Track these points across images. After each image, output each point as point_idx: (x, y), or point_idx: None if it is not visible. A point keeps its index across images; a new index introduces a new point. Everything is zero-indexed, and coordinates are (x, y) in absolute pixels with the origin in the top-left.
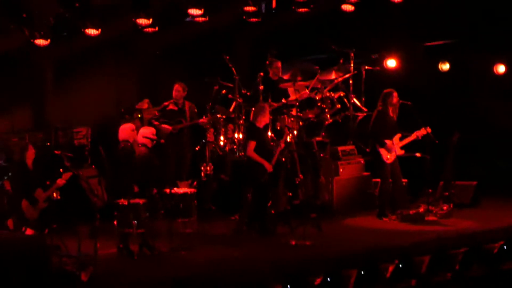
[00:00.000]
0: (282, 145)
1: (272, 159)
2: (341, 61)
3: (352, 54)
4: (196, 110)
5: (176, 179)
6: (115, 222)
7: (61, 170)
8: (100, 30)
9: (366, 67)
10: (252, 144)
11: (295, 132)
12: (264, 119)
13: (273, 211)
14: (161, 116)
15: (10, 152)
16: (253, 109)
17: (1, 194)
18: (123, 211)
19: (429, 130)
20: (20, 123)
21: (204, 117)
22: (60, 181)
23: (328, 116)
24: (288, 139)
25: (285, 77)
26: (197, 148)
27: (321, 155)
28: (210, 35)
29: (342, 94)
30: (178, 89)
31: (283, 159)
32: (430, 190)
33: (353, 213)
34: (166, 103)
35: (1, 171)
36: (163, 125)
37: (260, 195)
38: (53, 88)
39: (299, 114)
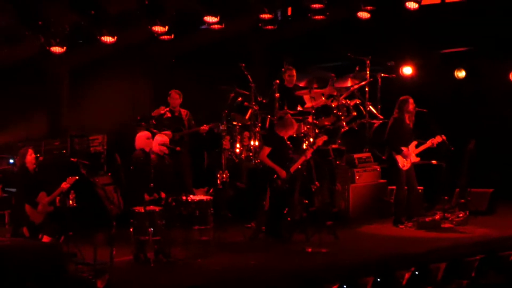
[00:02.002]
0: (309, 155)
1: (289, 167)
2: (357, 68)
3: (368, 62)
4: (192, 118)
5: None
6: (131, 230)
7: (76, 177)
8: (115, 37)
9: (382, 75)
10: (266, 150)
11: (311, 140)
12: (288, 132)
13: (289, 219)
14: (158, 124)
15: None
16: (269, 116)
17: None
18: (139, 219)
19: (444, 137)
20: (36, 131)
21: (204, 125)
22: (65, 185)
23: (344, 123)
24: (304, 147)
25: (301, 84)
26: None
27: (337, 162)
28: (226, 42)
29: (358, 102)
30: (174, 97)
31: (300, 166)
32: (446, 198)
33: (369, 220)
34: (162, 111)
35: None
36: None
37: (276, 202)
38: (69, 95)
39: (315, 121)
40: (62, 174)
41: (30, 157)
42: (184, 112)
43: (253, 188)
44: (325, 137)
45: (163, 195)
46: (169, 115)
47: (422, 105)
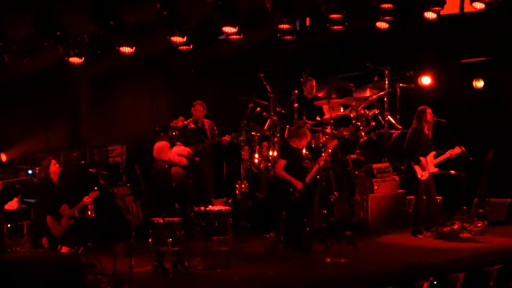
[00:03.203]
0: (321, 162)
1: (305, 177)
2: (376, 78)
3: (386, 72)
4: (215, 127)
5: (200, 198)
6: (150, 240)
7: (95, 188)
8: (134, 48)
9: (401, 85)
10: (282, 162)
11: (330, 150)
12: (301, 143)
13: (308, 229)
14: (181, 135)
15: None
16: (287, 126)
17: (35, 212)
18: (158, 229)
19: (463, 148)
20: (54, 142)
21: (227, 135)
22: (87, 199)
23: (363, 133)
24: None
25: (320, 94)
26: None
27: (356, 172)
28: (245, 52)
29: (376, 112)
30: (198, 109)
31: (318, 176)
32: (465, 207)
33: (388, 230)
34: (185, 122)
35: (36, 189)
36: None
37: (295, 213)
38: (88, 106)
39: (334, 131)
40: (83, 186)
41: (54, 167)
42: (207, 122)
43: (272, 198)
44: (335, 141)
45: (189, 209)
46: (192, 126)
47: (441, 115)
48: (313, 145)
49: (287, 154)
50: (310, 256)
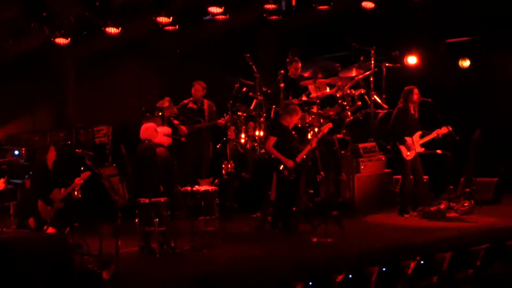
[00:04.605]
0: (314, 144)
1: (295, 156)
2: (362, 58)
3: (372, 52)
4: (215, 108)
5: (194, 177)
6: (136, 221)
7: (81, 168)
8: (120, 28)
9: (387, 64)
10: (272, 139)
11: (324, 133)
12: (292, 120)
13: (294, 209)
14: (180, 114)
15: (32, 151)
16: (273, 107)
17: (22, 193)
18: (145, 210)
19: (450, 128)
20: (41, 122)
21: (222, 118)
22: (78, 181)
23: (349, 113)
24: (309, 137)
25: (306, 74)
26: (218, 146)
27: (342, 152)
28: (231, 33)
29: (362, 91)
30: (198, 89)
31: (304, 156)
32: (452, 187)
33: (374, 210)
34: (185, 101)
35: (22, 170)
36: (181, 126)
37: (282, 192)
38: (74, 87)
39: (320, 111)
40: (71, 168)
41: (52, 154)
42: (206, 103)
43: (258, 179)
44: (330, 125)
45: (180, 188)
46: (193, 106)
47: (427, 95)
48: (299, 125)
49: (277, 132)
50: (296, 236)
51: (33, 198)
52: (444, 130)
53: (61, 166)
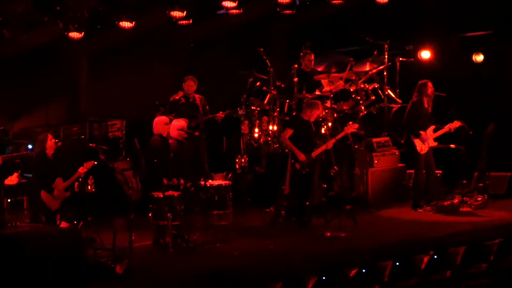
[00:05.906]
0: (330, 145)
1: (311, 152)
2: (375, 52)
3: (386, 46)
4: (207, 102)
5: (197, 173)
6: (150, 215)
7: (94, 162)
8: (134, 22)
9: (400, 59)
10: (289, 131)
11: (344, 134)
12: (312, 114)
13: (308, 203)
14: (173, 110)
15: None
16: (287, 101)
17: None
18: (158, 204)
19: (463, 122)
20: (55, 117)
21: (221, 112)
22: (82, 170)
23: (363, 107)
24: (323, 131)
25: (320, 69)
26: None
27: (356, 146)
28: (245, 27)
29: (376, 86)
30: (190, 84)
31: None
32: (465, 181)
33: (387, 204)
34: (176, 97)
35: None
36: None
37: (296, 187)
38: (88, 81)
39: (333, 106)
40: (80, 159)
41: (50, 142)
42: (198, 97)
43: (272, 173)
44: (355, 125)
45: (182, 181)
46: (183, 101)
47: (441, 89)
48: (312, 120)
49: (295, 125)
50: (310, 231)
51: (37, 190)
52: (457, 124)
53: (66, 156)
